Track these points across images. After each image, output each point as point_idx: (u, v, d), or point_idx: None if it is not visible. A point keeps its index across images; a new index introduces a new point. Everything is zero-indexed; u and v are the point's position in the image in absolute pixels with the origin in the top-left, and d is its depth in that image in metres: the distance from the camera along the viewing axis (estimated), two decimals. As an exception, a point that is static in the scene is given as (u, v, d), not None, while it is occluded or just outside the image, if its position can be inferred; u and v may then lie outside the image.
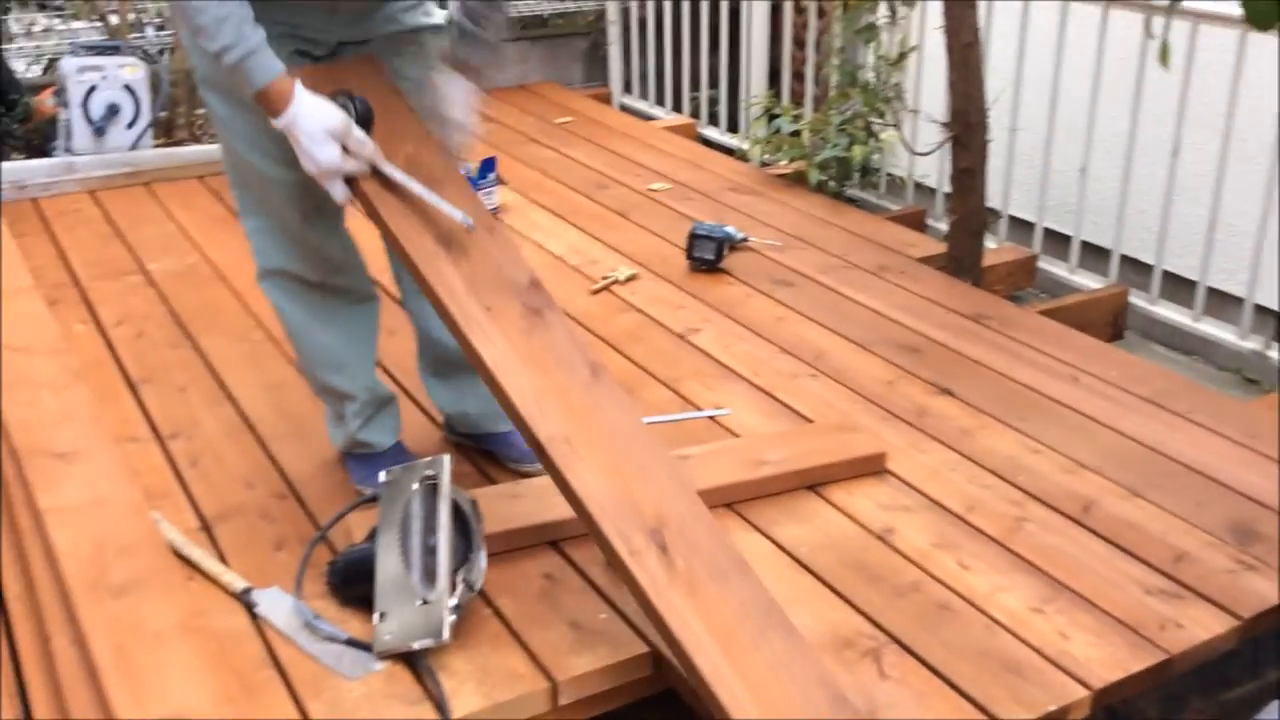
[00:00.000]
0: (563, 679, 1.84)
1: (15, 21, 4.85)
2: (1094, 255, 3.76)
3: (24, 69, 4.71)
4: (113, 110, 4.09)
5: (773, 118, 4.31)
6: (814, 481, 2.36)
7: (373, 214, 1.97)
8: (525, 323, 1.94)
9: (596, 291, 3.29)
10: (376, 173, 1.96)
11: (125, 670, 1.68)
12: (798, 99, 4.71)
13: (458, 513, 1.97)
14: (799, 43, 4.89)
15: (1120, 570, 2.13)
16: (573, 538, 2.16)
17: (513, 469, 2.40)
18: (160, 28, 4.69)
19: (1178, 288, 3.57)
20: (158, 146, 4.22)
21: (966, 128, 3.30)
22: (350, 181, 1.94)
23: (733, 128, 4.99)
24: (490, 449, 2.45)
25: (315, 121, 1.86)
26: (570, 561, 2.12)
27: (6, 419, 2.28)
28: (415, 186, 1.96)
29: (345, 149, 1.89)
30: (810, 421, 2.62)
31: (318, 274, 2.23)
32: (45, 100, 4.30)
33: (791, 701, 1.64)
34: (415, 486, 1.99)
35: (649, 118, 5.23)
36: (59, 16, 4.99)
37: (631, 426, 1.91)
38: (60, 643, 1.81)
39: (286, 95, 1.85)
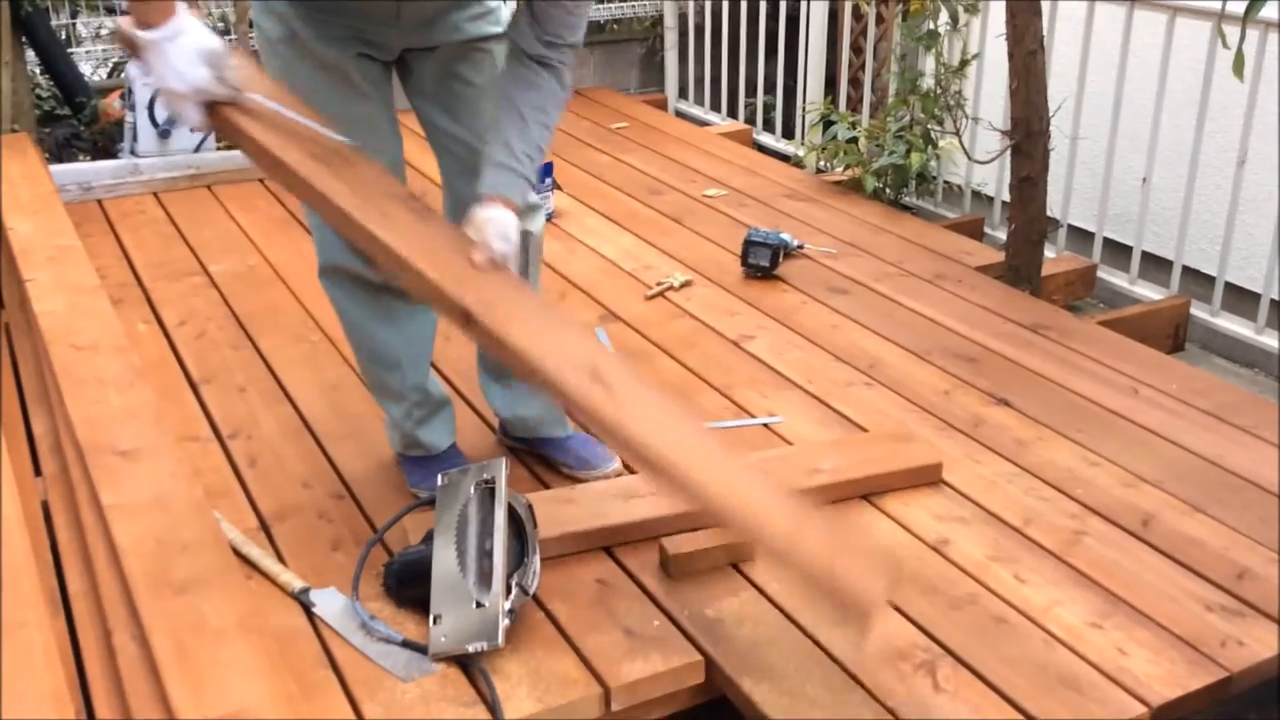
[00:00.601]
0: (615, 685, 1.84)
1: (83, 25, 4.94)
2: (1155, 266, 3.71)
3: (91, 72, 4.80)
4: (177, 113, 4.15)
5: (829, 124, 4.29)
6: (868, 491, 2.35)
7: (238, 135, 1.86)
8: (420, 222, 1.90)
9: (651, 297, 3.29)
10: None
11: (186, 667, 1.69)
12: (854, 106, 4.70)
13: (513, 516, 1.98)
14: (856, 49, 4.88)
15: (1180, 586, 2.10)
16: (627, 544, 2.17)
17: (567, 474, 2.42)
18: (225, 33, 4.76)
19: (1240, 300, 3.52)
20: (220, 150, 4.28)
21: (1028, 136, 3.27)
22: (209, 110, 1.81)
23: (788, 134, 4.97)
24: (545, 454, 2.46)
25: (193, 40, 1.76)
26: (624, 567, 2.12)
27: (73, 416, 2.32)
28: (289, 112, 1.87)
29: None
30: (865, 430, 2.61)
31: (376, 274, 2.25)
32: (112, 103, 4.38)
33: (752, 495, 1.73)
34: (472, 490, 2.01)
35: (704, 123, 5.24)
36: (126, 21, 5.08)
37: (539, 302, 1.96)
38: (122, 638, 1.84)
39: (169, 10, 1.74)
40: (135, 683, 1.76)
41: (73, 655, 1.90)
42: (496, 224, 1.90)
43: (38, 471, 2.43)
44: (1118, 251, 3.78)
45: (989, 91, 3.98)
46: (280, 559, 2.16)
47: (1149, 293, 3.64)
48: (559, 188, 4.06)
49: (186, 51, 1.75)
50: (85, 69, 4.68)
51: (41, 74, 4.52)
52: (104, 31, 4.95)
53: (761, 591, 2.06)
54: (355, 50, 2.04)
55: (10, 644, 1.74)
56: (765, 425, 2.63)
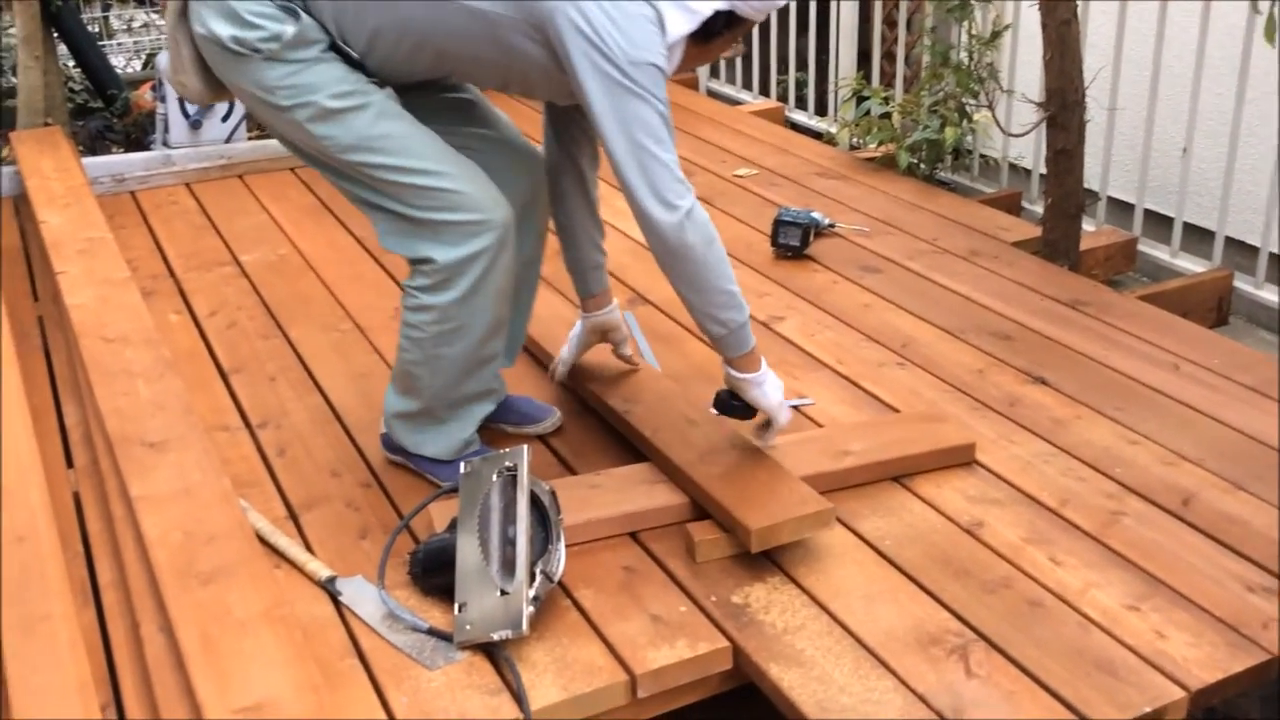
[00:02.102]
0: (641, 672, 1.83)
1: (116, 18, 4.97)
2: (1197, 237, 3.63)
3: (123, 64, 4.84)
4: (208, 104, 4.16)
5: (862, 100, 4.23)
6: (900, 473, 2.32)
7: None
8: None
9: (681, 279, 3.25)
10: None
11: (211, 658, 1.70)
12: (888, 80, 4.63)
13: (536, 503, 1.97)
14: (890, 22, 4.81)
15: (1221, 566, 2.05)
16: (653, 529, 2.15)
17: (513, 433, 2.47)
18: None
19: (1286, 271, 3.44)
20: (251, 139, 4.29)
21: (1063, 107, 3.21)
22: None
23: (821, 111, 4.92)
24: (494, 421, 2.43)
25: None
26: (650, 553, 2.10)
27: (102, 408, 2.33)
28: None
29: None
30: (897, 411, 2.57)
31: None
32: (144, 95, 4.40)
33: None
34: (494, 478, 1.99)
35: (736, 102, 5.19)
36: (158, 12, 5.11)
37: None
38: (149, 630, 1.85)
39: (758, 359, 2.18)
40: (162, 674, 1.77)
41: (103, 647, 1.92)
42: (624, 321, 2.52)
43: (70, 463, 2.45)
44: (1159, 223, 3.71)
45: (1024, 63, 3.91)
46: (308, 547, 2.15)
47: (1191, 265, 3.56)
48: (589, 170, 4.02)
49: (776, 383, 2.22)
50: (117, 61, 4.72)
51: (74, 67, 4.55)
52: (135, 24, 4.98)
53: (789, 576, 2.04)
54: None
55: (36, 637, 1.75)
56: (795, 408, 2.59)
